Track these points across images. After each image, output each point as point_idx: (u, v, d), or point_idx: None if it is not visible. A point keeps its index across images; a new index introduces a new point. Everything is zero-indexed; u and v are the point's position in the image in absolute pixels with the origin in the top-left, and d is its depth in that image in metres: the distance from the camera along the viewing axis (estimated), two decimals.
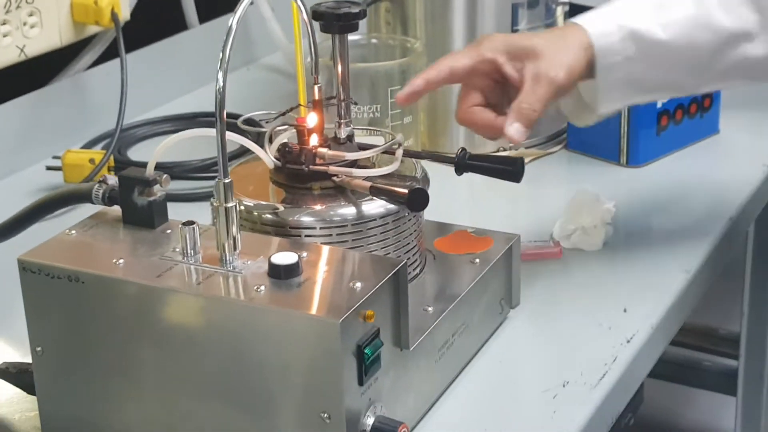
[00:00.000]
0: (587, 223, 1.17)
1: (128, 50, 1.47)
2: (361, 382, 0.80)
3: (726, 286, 1.70)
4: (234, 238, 0.85)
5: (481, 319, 0.99)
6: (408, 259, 0.94)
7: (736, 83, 1.09)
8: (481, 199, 1.32)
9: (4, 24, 1.37)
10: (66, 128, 1.48)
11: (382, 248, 0.93)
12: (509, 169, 1.00)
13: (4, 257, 0.97)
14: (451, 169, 1.01)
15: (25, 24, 1.39)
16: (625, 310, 1.06)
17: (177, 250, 0.87)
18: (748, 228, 1.60)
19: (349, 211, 0.92)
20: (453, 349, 0.95)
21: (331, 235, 0.91)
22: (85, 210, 0.95)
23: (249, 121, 1.04)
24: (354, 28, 0.96)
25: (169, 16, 1.70)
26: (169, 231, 0.90)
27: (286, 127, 0.97)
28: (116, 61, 1.46)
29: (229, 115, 0.85)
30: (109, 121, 1.44)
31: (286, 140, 0.96)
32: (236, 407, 0.82)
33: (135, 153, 1.47)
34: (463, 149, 1.00)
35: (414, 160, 1.00)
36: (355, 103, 1.00)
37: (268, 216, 0.92)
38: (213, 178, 0.85)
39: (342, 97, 0.97)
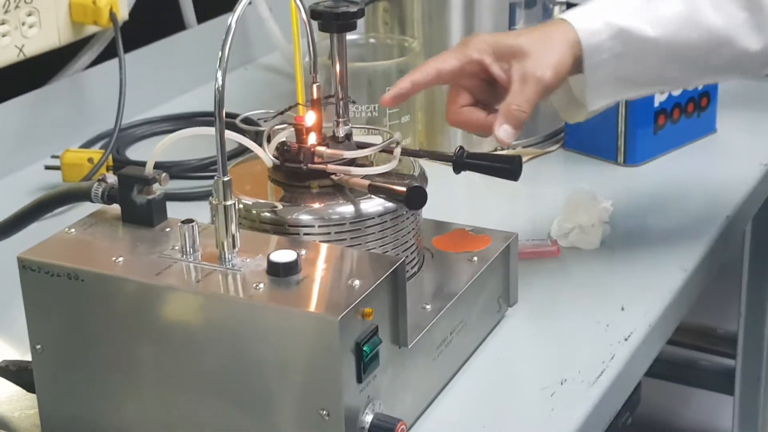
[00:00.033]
0: (585, 221, 1.17)
1: (127, 50, 1.47)
2: (359, 380, 0.81)
3: (723, 286, 1.70)
4: (233, 236, 0.85)
5: (479, 317, 1.00)
6: (406, 257, 0.95)
7: (728, 78, 1.09)
8: (479, 198, 1.32)
9: (2, 24, 1.37)
10: (65, 128, 1.48)
11: (380, 246, 0.93)
12: (507, 168, 1.00)
13: (3, 256, 0.97)
14: (449, 167, 1.01)
15: (23, 24, 1.39)
16: (622, 309, 1.06)
17: (176, 248, 0.87)
18: (745, 227, 1.60)
19: (347, 209, 0.92)
20: (451, 347, 0.95)
21: (329, 233, 0.91)
22: (85, 209, 0.95)
23: (247, 120, 1.04)
24: (352, 28, 0.96)
25: (168, 16, 1.70)
26: (168, 229, 0.90)
27: (284, 125, 0.97)
28: (115, 61, 1.46)
29: (227, 115, 0.85)
30: (107, 120, 1.44)
31: (284, 139, 0.96)
32: (235, 404, 0.82)
33: (133, 152, 1.47)
34: (461, 148, 1.00)
35: (412, 158, 1.00)
36: (354, 102, 1.00)
37: (267, 214, 0.92)
38: (211, 177, 0.85)
39: (340, 96, 0.97)
